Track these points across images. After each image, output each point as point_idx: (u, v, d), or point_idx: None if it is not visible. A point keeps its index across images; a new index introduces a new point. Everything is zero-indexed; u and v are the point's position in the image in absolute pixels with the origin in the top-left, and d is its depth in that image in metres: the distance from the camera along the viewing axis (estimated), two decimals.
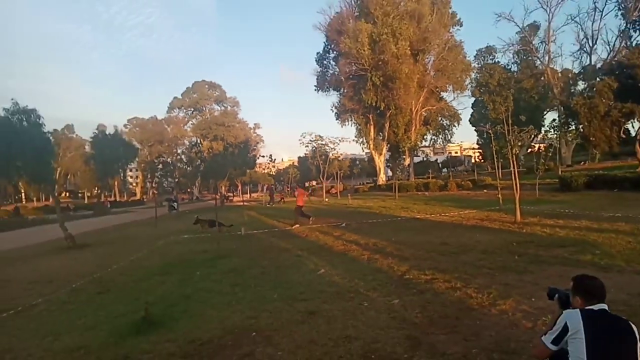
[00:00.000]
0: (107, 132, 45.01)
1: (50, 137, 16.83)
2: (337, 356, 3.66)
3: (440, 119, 48.97)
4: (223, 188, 54.27)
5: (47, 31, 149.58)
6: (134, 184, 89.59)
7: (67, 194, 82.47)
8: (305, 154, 48.20)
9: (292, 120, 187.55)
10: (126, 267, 8.97)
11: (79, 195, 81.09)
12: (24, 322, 5.60)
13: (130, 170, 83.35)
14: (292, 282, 6.47)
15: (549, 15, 39.85)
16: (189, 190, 72.42)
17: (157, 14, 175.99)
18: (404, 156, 46.66)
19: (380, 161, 45.83)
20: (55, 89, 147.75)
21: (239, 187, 64.68)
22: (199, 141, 65.07)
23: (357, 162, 57.40)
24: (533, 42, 43.19)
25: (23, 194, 71.54)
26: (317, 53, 47.74)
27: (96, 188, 68.28)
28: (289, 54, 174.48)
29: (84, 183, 73.86)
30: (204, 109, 66.66)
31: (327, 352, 3.74)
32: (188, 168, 66.47)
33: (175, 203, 27.96)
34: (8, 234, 21.56)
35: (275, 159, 69.02)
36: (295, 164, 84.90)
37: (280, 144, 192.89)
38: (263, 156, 64.90)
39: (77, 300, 6.56)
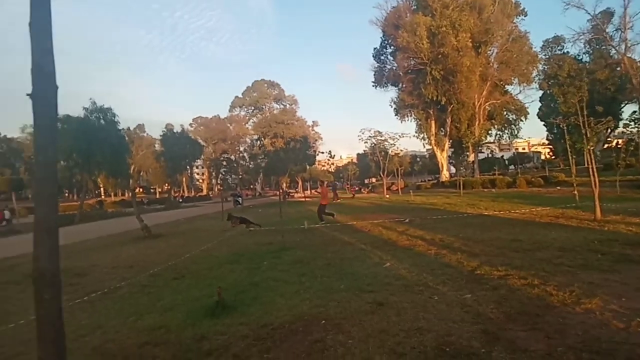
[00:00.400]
0: (174, 131, 47.94)
1: (124, 134, 18.22)
2: (409, 347, 3.58)
3: (505, 113, 46.54)
4: (284, 184, 55.52)
5: (122, 38, 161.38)
6: (200, 180, 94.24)
7: (141, 189, 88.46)
8: (364, 150, 48.00)
9: (351, 117, 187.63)
10: (197, 256, 9.43)
11: (151, 190, 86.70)
12: (110, 302, 6.06)
13: (197, 167, 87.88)
14: (358, 274, 6.43)
15: (624, 1, 36.49)
16: (251, 186, 74.83)
17: (217, 17, 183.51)
18: (468, 152, 44.94)
19: (442, 157, 44.49)
20: (127, 91, 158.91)
21: (300, 184, 65.80)
22: (260, 139, 66.97)
23: (418, 159, 56.13)
24: (607, 30, 39.79)
25: (102, 189, 77.70)
26: (374, 48, 47.33)
27: (166, 184, 72.74)
28: (345, 50, 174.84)
29: (155, 179, 78.79)
30: (264, 107, 68.52)
31: (400, 343, 3.68)
32: (250, 165, 68.71)
33: (239, 198, 29.10)
34: (92, 224, 23.65)
35: (334, 155, 69.39)
36: (354, 160, 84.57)
37: (339, 141, 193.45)
38: (322, 152, 65.58)
39: (155, 284, 7.00)
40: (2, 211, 26.28)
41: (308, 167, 62.70)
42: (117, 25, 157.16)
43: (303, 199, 33.41)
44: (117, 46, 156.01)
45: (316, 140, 68.44)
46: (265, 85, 67.31)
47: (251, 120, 69.59)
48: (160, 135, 50.00)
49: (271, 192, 63.78)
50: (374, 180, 59.76)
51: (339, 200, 30.10)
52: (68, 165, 25.18)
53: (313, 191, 55.71)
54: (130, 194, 71.33)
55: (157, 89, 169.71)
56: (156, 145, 69.26)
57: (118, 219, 26.76)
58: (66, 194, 72.21)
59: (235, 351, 3.73)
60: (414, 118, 45.72)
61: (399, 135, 39.22)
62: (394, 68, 44.99)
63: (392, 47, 44.86)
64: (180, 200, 47.99)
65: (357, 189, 49.19)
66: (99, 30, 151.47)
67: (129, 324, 4.95)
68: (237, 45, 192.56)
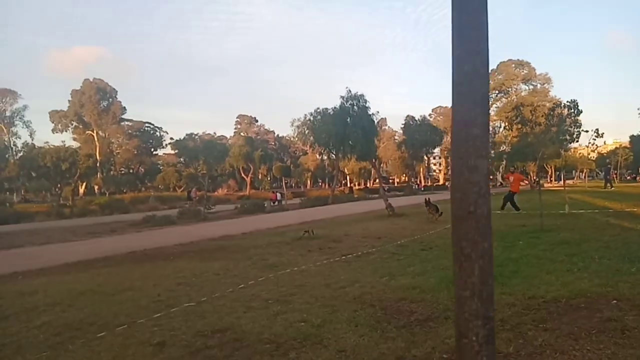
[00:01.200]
0: (415, 118, 49.23)
1: (374, 119, 19.59)
2: None
3: None
4: (532, 173, 49.50)
5: (369, 38, 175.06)
6: (437, 171, 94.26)
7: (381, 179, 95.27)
8: None
9: (621, 94, 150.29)
10: (442, 233, 9.29)
11: (389, 180, 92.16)
12: (364, 263, 6.48)
13: (434, 158, 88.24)
14: None
15: None
16: (490, 177, 69.94)
17: None
18: None
19: None
20: (372, 89, 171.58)
21: (550, 172, 57.48)
22: (502, 125, 61.54)
23: None
24: None
25: (348, 179, 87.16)
26: None
27: (404, 174, 75.60)
28: (617, 18, 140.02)
29: (394, 169, 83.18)
30: (510, 90, 62.32)
31: None
32: (493, 152, 64.12)
33: None
34: (342, 205, 26.81)
35: (602, 134, 57.00)
36: (626, 145, 68.73)
37: (602, 125, 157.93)
38: (586, 131, 54.70)
39: (403, 253, 7.18)
40: (275, 193, 33.24)
41: (563, 153, 53.67)
42: (366, 27, 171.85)
43: (558, 188, 29.08)
44: (365, 47, 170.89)
45: (572, 124, 57.63)
46: (513, 65, 60.90)
47: (494, 105, 64.40)
48: (402, 125, 52.32)
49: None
50: None
51: (612, 189, 26.23)
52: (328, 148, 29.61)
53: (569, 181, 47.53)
54: (373, 181, 77.76)
55: (398, 84, 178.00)
56: (396, 138, 72.83)
57: (363, 202, 29.77)
58: (319, 184, 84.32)
59: (503, 317, 3.48)
60: None
61: None
62: None
63: None
64: (422, 188, 49.73)
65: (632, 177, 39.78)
66: (347, 34, 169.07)
67: (383, 282, 5.15)
68: None
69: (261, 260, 7.08)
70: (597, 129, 32.67)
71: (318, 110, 32.49)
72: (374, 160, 24.38)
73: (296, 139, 35.28)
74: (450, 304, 3.74)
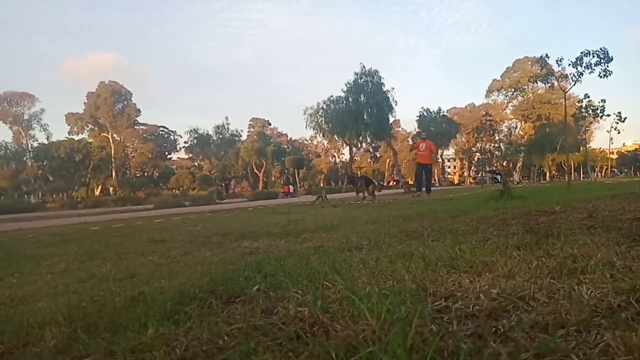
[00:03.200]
0: (430, 110, 48.49)
1: (388, 96, 19.18)
2: None
3: None
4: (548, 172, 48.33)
5: (379, 43, 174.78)
6: (452, 174, 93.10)
7: (394, 182, 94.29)
8: None
9: None
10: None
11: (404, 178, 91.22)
12: (368, 208, 5.96)
13: (448, 161, 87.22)
14: None
15: None
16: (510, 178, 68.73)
17: (474, 8, 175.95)
18: None
19: None
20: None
21: (569, 171, 55.94)
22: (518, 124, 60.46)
23: None
24: None
25: None
26: None
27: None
28: (636, 17, 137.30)
29: (408, 171, 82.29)
30: (526, 87, 61.22)
31: None
32: (509, 150, 62.90)
33: (498, 176, 26.61)
34: (352, 194, 26.47)
35: (624, 119, 54.93)
36: None
37: (623, 125, 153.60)
38: (608, 115, 52.82)
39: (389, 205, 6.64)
40: (288, 186, 33.56)
41: (582, 149, 52.29)
42: (377, 31, 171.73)
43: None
44: (377, 51, 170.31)
45: (592, 122, 56.23)
46: (529, 62, 59.91)
47: (510, 105, 63.46)
48: (417, 117, 51.64)
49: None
50: None
51: None
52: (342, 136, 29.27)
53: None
54: (387, 183, 76.87)
55: (410, 88, 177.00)
56: (409, 140, 72.07)
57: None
58: (332, 186, 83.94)
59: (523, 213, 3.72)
60: None
61: None
62: None
63: None
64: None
65: None
66: (359, 38, 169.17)
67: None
68: (495, 31, 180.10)
69: (290, 213, 7.79)
70: (619, 112, 31.10)
71: (331, 99, 31.96)
72: (388, 139, 23.82)
73: (309, 127, 34.64)
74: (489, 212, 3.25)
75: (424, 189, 13.00)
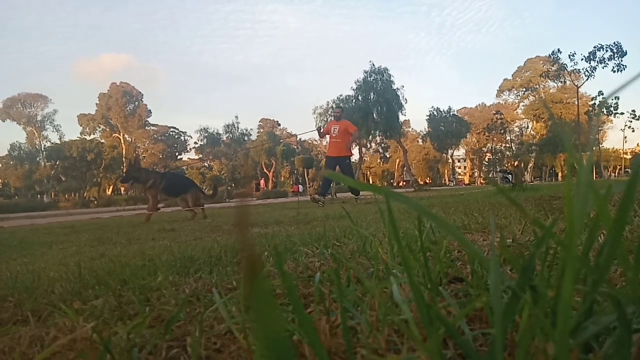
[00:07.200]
0: (440, 109, 48.21)
1: (398, 94, 19.07)
2: None
3: None
4: (560, 172, 47.81)
5: (393, 43, 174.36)
6: (462, 174, 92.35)
7: (404, 182, 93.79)
8: None
9: None
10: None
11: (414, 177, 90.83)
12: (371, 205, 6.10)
13: (458, 161, 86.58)
14: None
15: None
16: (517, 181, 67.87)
17: (485, 8, 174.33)
18: None
19: None
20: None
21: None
22: (530, 124, 59.80)
23: None
24: None
25: (370, 180, 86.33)
26: None
27: (428, 178, 74.38)
28: None
29: (417, 172, 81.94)
30: (538, 87, 60.55)
31: None
32: (520, 149, 62.25)
33: (509, 175, 26.29)
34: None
35: (636, 117, 53.96)
36: None
37: (636, 125, 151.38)
38: (622, 113, 51.95)
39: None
40: (297, 186, 33.66)
41: (594, 148, 51.52)
42: (389, 32, 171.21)
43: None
44: (389, 52, 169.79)
45: (603, 121, 55.48)
46: (541, 62, 59.18)
47: (522, 104, 62.70)
48: (427, 116, 51.45)
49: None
50: None
51: None
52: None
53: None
54: (397, 183, 76.56)
55: (422, 88, 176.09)
56: (419, 141, 71.71)
57: None
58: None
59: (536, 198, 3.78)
60: None
61: None
62: None
63: None
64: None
65: None
66: (370, 40, 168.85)
67: None
68: (506, 31, 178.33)
69: (300, 208, 7.53)
70: (633, 110, 30.66)
71: (341, 98, 31.79)
72: (398, 137, 23.87)
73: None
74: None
75: (330, 194, 10.10)
